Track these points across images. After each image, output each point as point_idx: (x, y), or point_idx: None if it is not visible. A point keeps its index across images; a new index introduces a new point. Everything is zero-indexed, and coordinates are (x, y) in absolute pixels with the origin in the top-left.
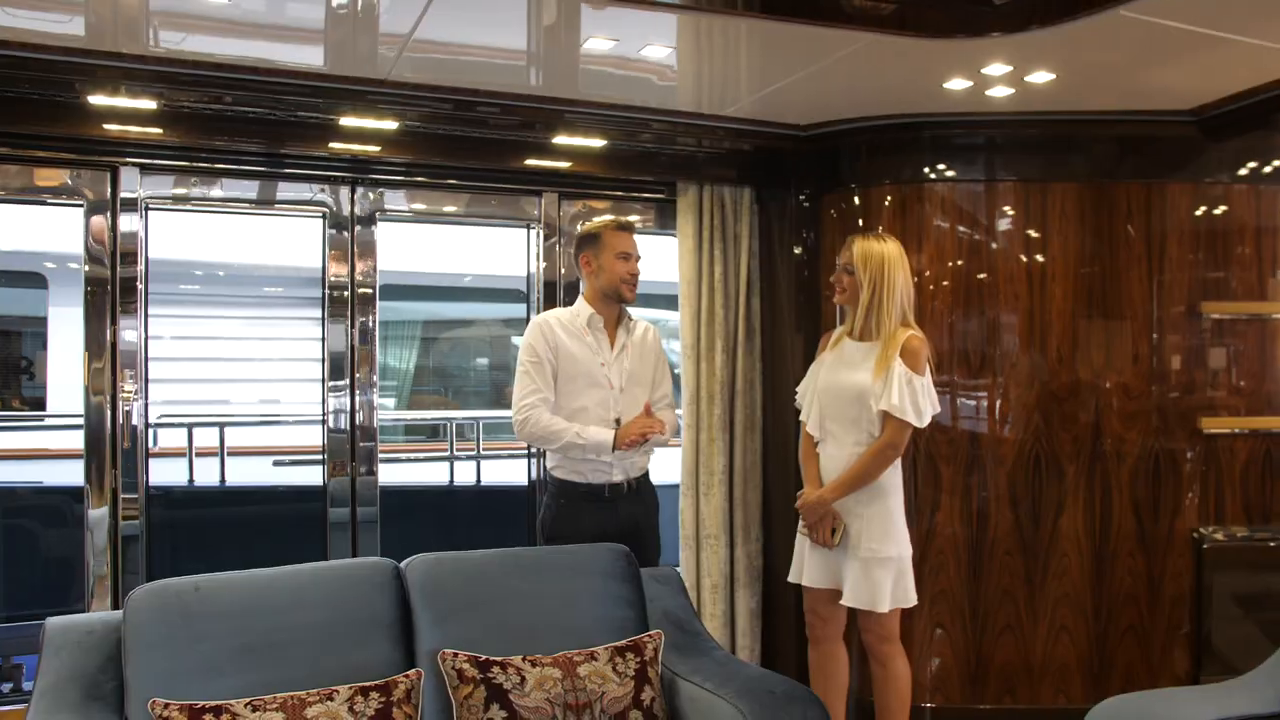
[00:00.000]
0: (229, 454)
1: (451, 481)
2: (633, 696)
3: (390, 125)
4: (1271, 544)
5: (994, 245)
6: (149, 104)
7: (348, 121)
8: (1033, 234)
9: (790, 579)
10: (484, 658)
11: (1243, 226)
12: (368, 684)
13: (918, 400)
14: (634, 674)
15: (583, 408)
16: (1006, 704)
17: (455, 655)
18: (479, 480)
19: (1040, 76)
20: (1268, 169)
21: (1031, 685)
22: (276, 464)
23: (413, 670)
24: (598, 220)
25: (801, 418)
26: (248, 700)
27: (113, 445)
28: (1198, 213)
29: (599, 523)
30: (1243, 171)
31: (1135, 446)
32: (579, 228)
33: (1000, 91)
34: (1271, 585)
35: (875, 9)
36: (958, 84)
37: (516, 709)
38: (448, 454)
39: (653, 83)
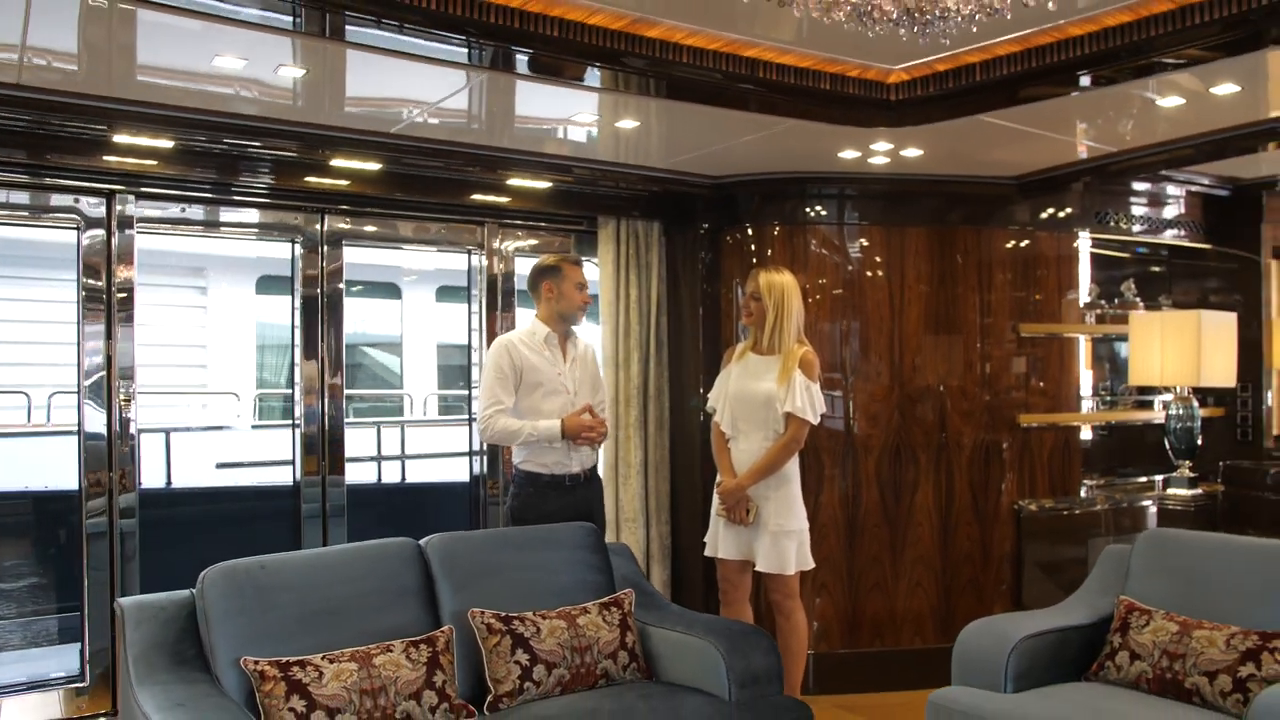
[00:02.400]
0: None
1: (379, 480)
2: (619, 640)
3: (373, 166)
4: (1065, 512)
5: (861, 274)
6: (149, 141)
7: (335, 163)
8: (891, 266)
9: (706, 553)
10: (505, 614)
11: (1045, 260)
12: (415, 638)
13: (814, 403)
14: (618, 623)
15: (548, 412)
16: (876, 647)
17: (483, 613)
18: (404, 478)
19: (912, 152)
20: (1061, 215)
21: (895, 631)
22: (219, 466)
23: (445, 627)
24: (554, 255)
25: (716, 419)
26: (323, 654)
27: (109, 448)
28: (1013, 249)
29: (561, 507)
30: (1043, 216)
31: (970, 438)
32: (540, 260)
33: (880, 160)
34: (1066, 548)
35: (787, 102)
36: (849, 154)
37: (536, 652)
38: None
39: (577, 138)
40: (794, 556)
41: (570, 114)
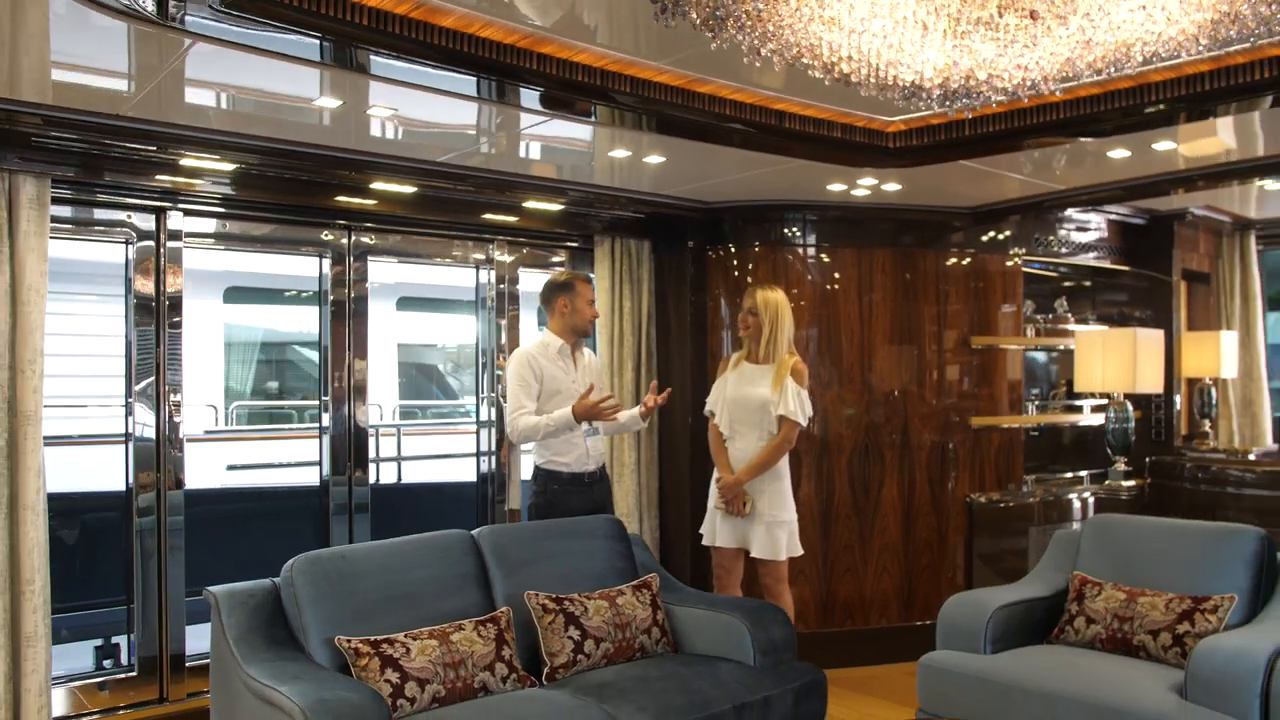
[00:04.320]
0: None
1: (377, 479)
2: (652, 618)
3: (409, 189)
4: (1009, 504)
5: (834, 290)
6: (199, 162)
7: (374, 185)
8: (861, 283)
9: (704, 542)
10: (557, 595)
11: (991, 279)
12: (481, 618)
13: (804, 407)
14: (649, 603)
15: None
16: (848, 626)
17: (537, 595)
18: (399, 479)
19: (892, 186)
20: (1000, 238)
21: (864, 611)
22: (230, 468)
23: (503, 608)
24: (566, 272)
25: (715, 420)
26: (404, 633)
27: (159, 450)
28: (964, 270)
29: (582, 501)
30: (984, 239)
31: (929, 439)
32: (553, 276)
33: (861, 193)
34: (1011, 535)
35: (807, 147)
36: (837, 187)
37: (586, 628)
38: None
39: (578, 164)
40: (785, 544)
41: (605, 149)
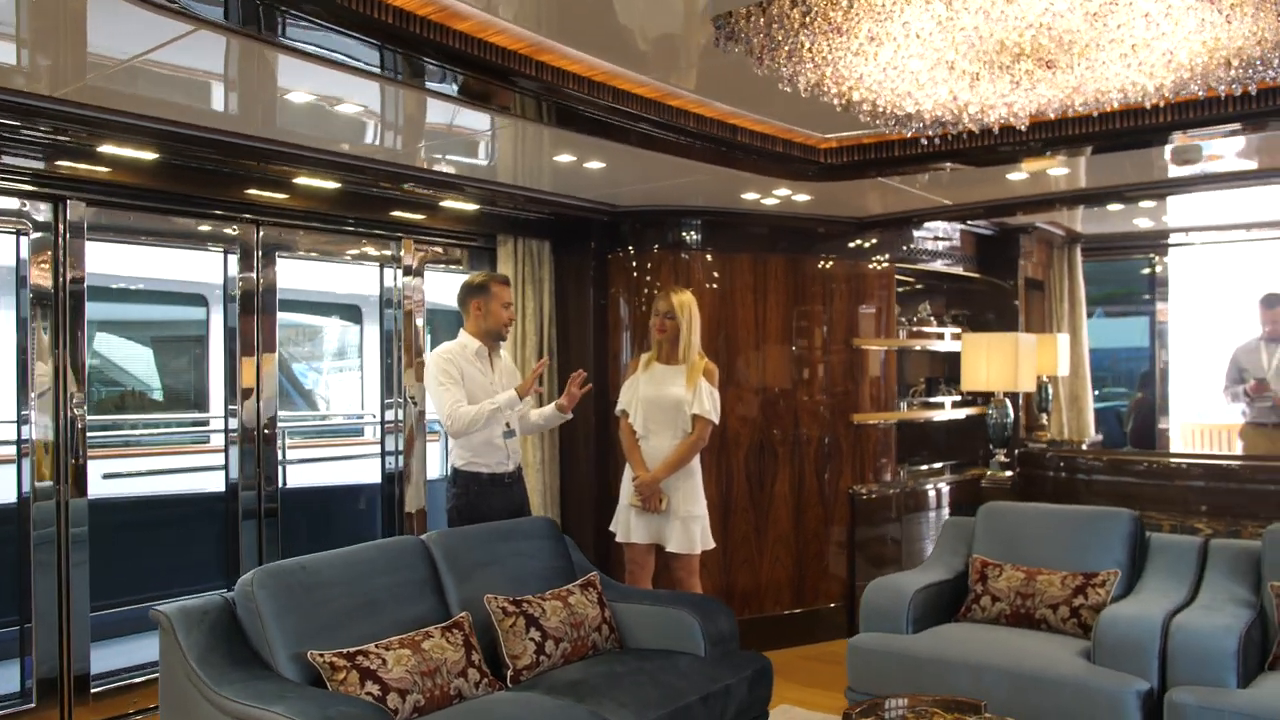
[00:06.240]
0: None
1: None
2: (600, 616)
3: (317, 183)
4: (881, 495)
5: (730, 293)
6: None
7: (294, 180)
8: (756, 287)
9: (619, 539)
10: (515, 597)
11: (869, 284)
12: (446, 624)
13: (716, 406)
14: (596, 601)
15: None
16: (747, 614)
17: (496, 598)
18: (284, 483)
19: (802, 197)
20: (866, 245)
21: (760, 600)
22: (106, 477)
23: (463, 613)
24: (482, 274)
25: (628, 420)
26: (374, 643)
27: (57, 455)
28: (846, 276)
29: (504, 502)
30: (851, 246)
31: (816, 434)
32: (469, 278)
33: (772, 201)
34: (888, 523)
35: (716, 152)
36: (750, 195)
37: (545, 629)
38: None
39: (480, 162)
40: (699, 538)
41: (554, 154)
